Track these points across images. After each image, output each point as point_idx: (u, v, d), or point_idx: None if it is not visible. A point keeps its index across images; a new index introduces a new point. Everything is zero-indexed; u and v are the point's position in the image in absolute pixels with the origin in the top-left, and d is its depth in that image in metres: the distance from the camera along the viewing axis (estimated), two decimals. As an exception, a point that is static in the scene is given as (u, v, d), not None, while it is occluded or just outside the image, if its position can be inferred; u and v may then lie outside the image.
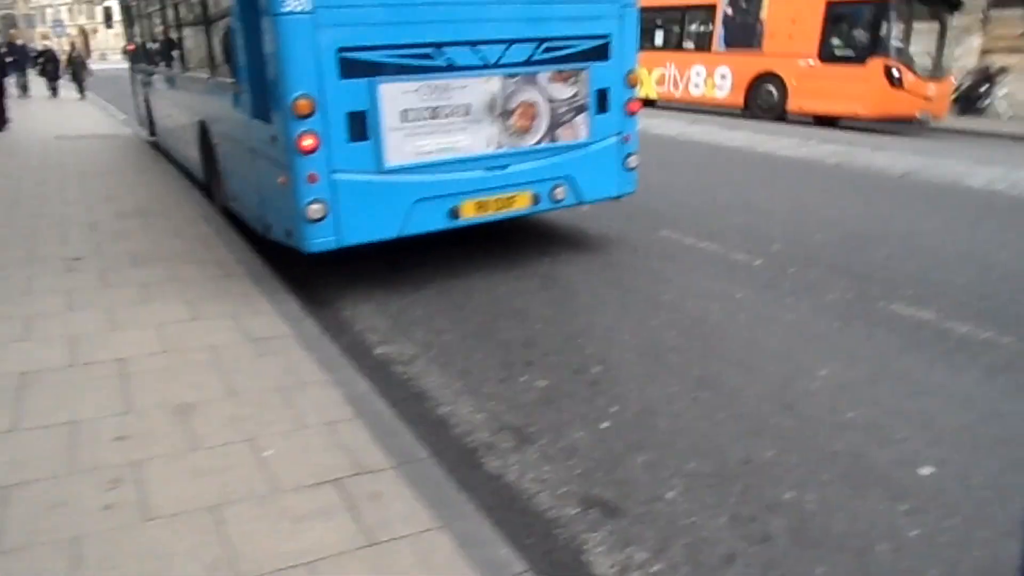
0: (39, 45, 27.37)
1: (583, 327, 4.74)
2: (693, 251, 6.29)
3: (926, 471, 3.18)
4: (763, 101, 16.34)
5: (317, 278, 5.72)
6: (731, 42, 16.85)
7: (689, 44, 18.40)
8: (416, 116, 5.05)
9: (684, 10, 18.18)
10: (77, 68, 22.10)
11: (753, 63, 16.33)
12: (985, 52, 18.38)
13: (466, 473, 3.14)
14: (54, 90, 21.91)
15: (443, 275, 5.74)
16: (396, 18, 4.88)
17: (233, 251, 5.97)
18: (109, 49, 69.96)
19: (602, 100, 5.88)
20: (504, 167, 5.52)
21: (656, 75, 18.61)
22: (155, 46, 9.88)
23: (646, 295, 5.27)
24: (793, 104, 15.76)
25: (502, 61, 5.32)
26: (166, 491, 2.78)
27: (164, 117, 10.32)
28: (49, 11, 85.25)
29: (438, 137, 5.18)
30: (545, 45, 5.48)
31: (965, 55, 18.56)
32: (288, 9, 4.49)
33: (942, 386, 3.93)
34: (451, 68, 5.12)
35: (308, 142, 4.68)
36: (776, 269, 5.82)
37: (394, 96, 4.93)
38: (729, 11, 16.83)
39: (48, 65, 21.92)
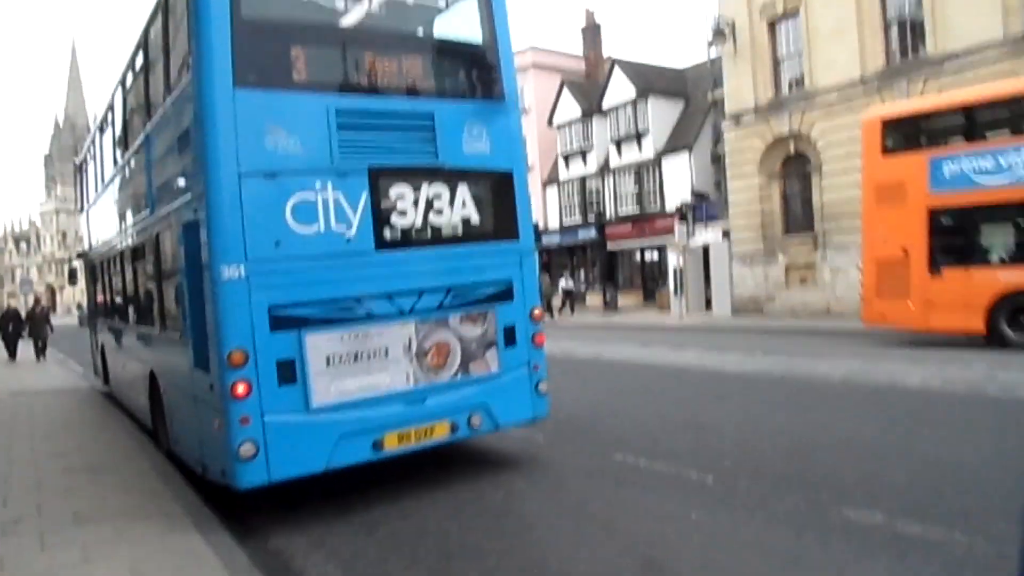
0: (6, 305, 27.50)
1: (538, 560, 4.64)
2: (646, 473, 6.35)
3: None
4: None
5: (270, 524, 5.59)
6: None
7: None
8: (340, 360, 5.61)
9: None
10: (38, 325, 21.44)
11: None
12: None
13: None
14: (12, 353, 21.22)
15: (395, 515, 5.66)
16: (320, 279, 5.55)
17: (182, 503, 5.84)
18: (74, 304, 71.47)
19: (510, 335, 6.49)
20: (422, 400, 5.99)
21: None
22: (113, 303, 10.65)
23: (601, 522, 5.24)
24: None
25: (416, 308, 5.98)
26: None
27: (118, 367, 10.80)
28: (19, 271, 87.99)
29: (360, 377, 5.69)
30: (453, 293, 6.19)
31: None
32: (226, 277, 5.18)
33: (899, 595, 3.90)
34: (370, 318, 5.75)
35: (241, 389, 5.15)
36: (728, 485, 5.88)
37: (319, 344, 5.50)
38: None
39: (9, 326, 21.44)
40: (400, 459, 6.58)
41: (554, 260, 35.79)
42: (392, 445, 5.81)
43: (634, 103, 30.54)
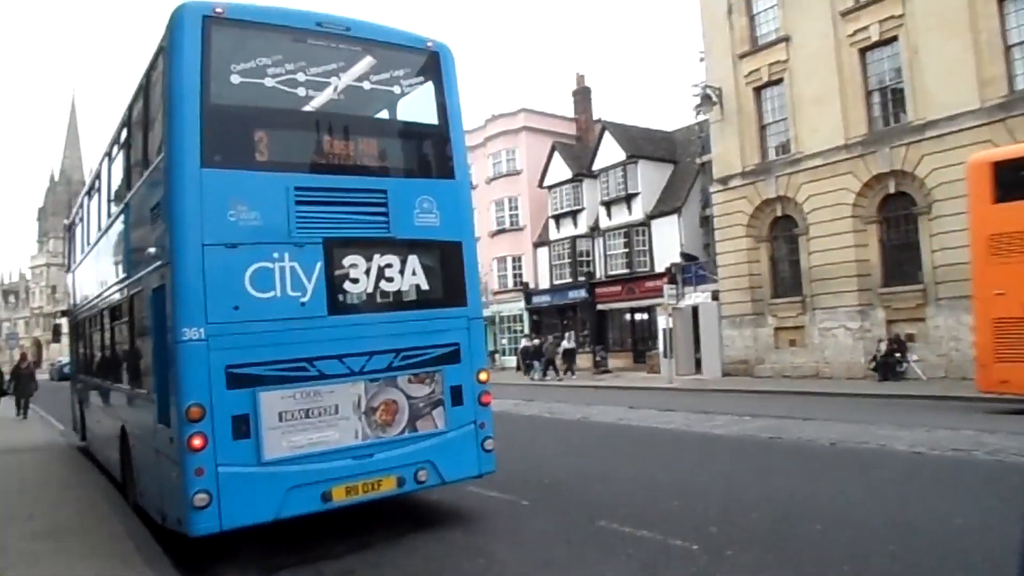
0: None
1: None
2: (630, 541, 6.18)
3: None
4: None
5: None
6: None
7: None
8: (291, 416, 5.89)
9: None
10: (23, 382, 20.14)
11: None
12: (890, 322, 20.00)
13: None
14: None
15: (372, 582, 5.51)
16: (275, 341, 5.87)
17: (153, 570, 5.65)
18: (62, 358, 70.75)
19: (457, 395, 6.74)
20: (370, 455, 6.22)
21: None
22: (91, 360, 10.99)
23: (582, 592, 5.10)
24: None
25: (366, 369, 6.26)
26: None
27: (94, 423, 11.06)
28: (6, 325, 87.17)
29: (310, 433, 5.95)
30: (402, 355, 6.47)
31: (874, 325, 20.18)
32: (187, 338, 5.54)
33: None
34: (322, 377, 6.04)
35: (197, 442, 5.45)
36: (713, 553, 5.73)
37: (272, 402, 5.81)
38: None
39: None
40: (381, 521, 6.47)
41: (544, 320, 35.76)
42: (340, 497, 6.01)
43: (624, 166, 31.03)
